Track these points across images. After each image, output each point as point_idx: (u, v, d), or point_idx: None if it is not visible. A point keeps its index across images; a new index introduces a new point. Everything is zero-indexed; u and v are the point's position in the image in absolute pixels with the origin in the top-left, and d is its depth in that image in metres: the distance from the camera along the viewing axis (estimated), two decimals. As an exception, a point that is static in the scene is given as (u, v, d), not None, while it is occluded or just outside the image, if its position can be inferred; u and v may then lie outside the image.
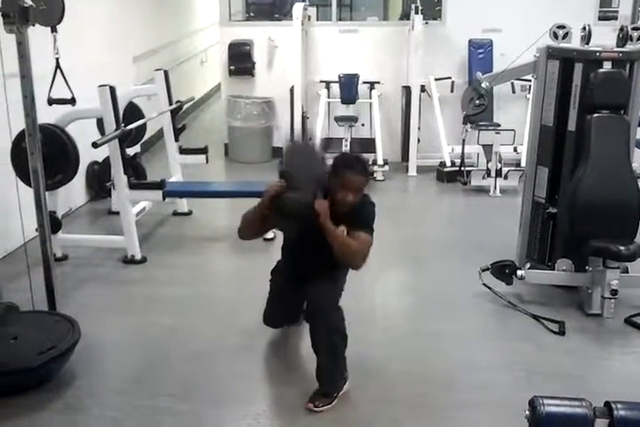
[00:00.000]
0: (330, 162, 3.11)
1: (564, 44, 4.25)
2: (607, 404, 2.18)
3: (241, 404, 3.13)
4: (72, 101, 3.86)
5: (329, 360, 3.10)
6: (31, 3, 3.29)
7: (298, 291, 3.23)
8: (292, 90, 7.12)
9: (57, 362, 3.21)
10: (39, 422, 2.99)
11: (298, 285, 3.22)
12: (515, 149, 6.69)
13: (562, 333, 3.73)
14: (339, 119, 6.86)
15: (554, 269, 4.09)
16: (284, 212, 2.96)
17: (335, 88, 7.19)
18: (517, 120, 6.78)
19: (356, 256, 3.02)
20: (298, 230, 3.12)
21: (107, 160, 5.08)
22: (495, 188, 6.33)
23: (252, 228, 3.17)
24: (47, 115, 4.08)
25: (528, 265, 4.20)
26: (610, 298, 3.82)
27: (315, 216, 2.90)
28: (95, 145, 4.30)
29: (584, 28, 4.13)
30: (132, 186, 4.72)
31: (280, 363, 3.47)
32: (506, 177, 6.36)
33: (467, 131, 6.54)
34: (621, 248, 3.72)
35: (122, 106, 4.73)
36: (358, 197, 3.03)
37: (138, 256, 4.74)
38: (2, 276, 4.04)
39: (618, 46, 4.04)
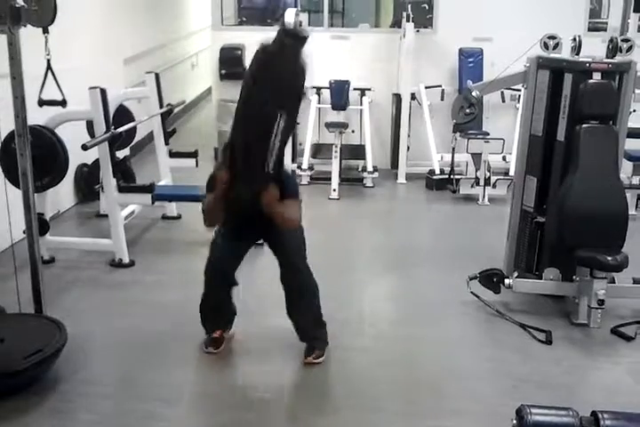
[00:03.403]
0: None
1: (554, 55, 4.28)
2: (594, 413, 2.19)
3: (230, 409, 3.11)
4: (63, 103, 3.84)
5: (311, 317, 3.48)
6: (23, 3, 3.28)
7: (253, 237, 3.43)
8: (282, 95, 7.11)
9: (43, 366, 3.19)
10: (25, 426, 2.96)
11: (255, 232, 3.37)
12: (504, 158, 6.71)
13: (549, 342, 3.75)
14: (329, 125, 6.86)
15: (541, 279, 4.11)
16: (234, 206, 3.14)
17: (326, 94, 7.19)
18: (507, 129, 6.81)
19: (295, 221, 3.23)
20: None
21: (96, 163, 5.06)
22: (484, 196, 6.36)
23: (218, 216, 3.26)
24: (37, 116, 4.06)
25: (516, 274, 4.21)
26: (597, 308, 3.84)
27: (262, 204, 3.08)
28: (85, 147, 4.28)
29: (574, 39, 4.16)
30: (120, 189, 4.70)
31: (272, 368, 3.45)
32: (494, 186, 6.38)
33: (456, 139, 6.56)
34: (608, 258, 3.74)
35: (112, 108, 4.72)
36: None
37: (126, 260, 4.72)
38: (-12, 278, 4.02)
39: (607, 57, 4.07)
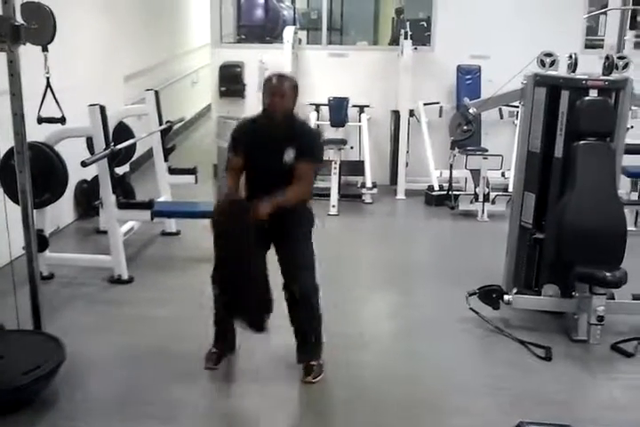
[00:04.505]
0: None
1: (551, 72, 4.30)
2: (593, 430, 2.18)
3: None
4: (62, 120, 3.85)
5: (314, 336, 3.47)
6: (23, 22, 3.31)
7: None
8: (281, 112, 7.15)
9: (42, 382, 3.18)
10: (21, 443, 2.95)
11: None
12: (502, 174, 6.74)
13: (548, 358, 3.74)
14: (328, 142, 6.87)
15: (540, 295, 4.11)
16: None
17: (325, 111, 7.22)
18: (505, 145, 6.83)
19: (306, 194, 3.53)
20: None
21: (95, 179, 5.06)
22: (483, 212, 6.37)
23: None
24: (37, 133, 4.08)
25: (515, 290, 4.20)
26: (596, 324, 3.83)
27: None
28: (84, 164, 4.30)
29: (571, 57, 4.20)
30: (120, 205, 4.71)
31: (270, 386, 3.44)
32: (493, 202, 6.40)
33: (454, 155, 6.58)
34: (607, 274, 3.75)
35: (112, 125, 4.75)
36: (286, 103, 3.34)
37: (125, 276, 4.72)
38: (-13, 294, 4.02)
39: (604, 75, 4.11)
